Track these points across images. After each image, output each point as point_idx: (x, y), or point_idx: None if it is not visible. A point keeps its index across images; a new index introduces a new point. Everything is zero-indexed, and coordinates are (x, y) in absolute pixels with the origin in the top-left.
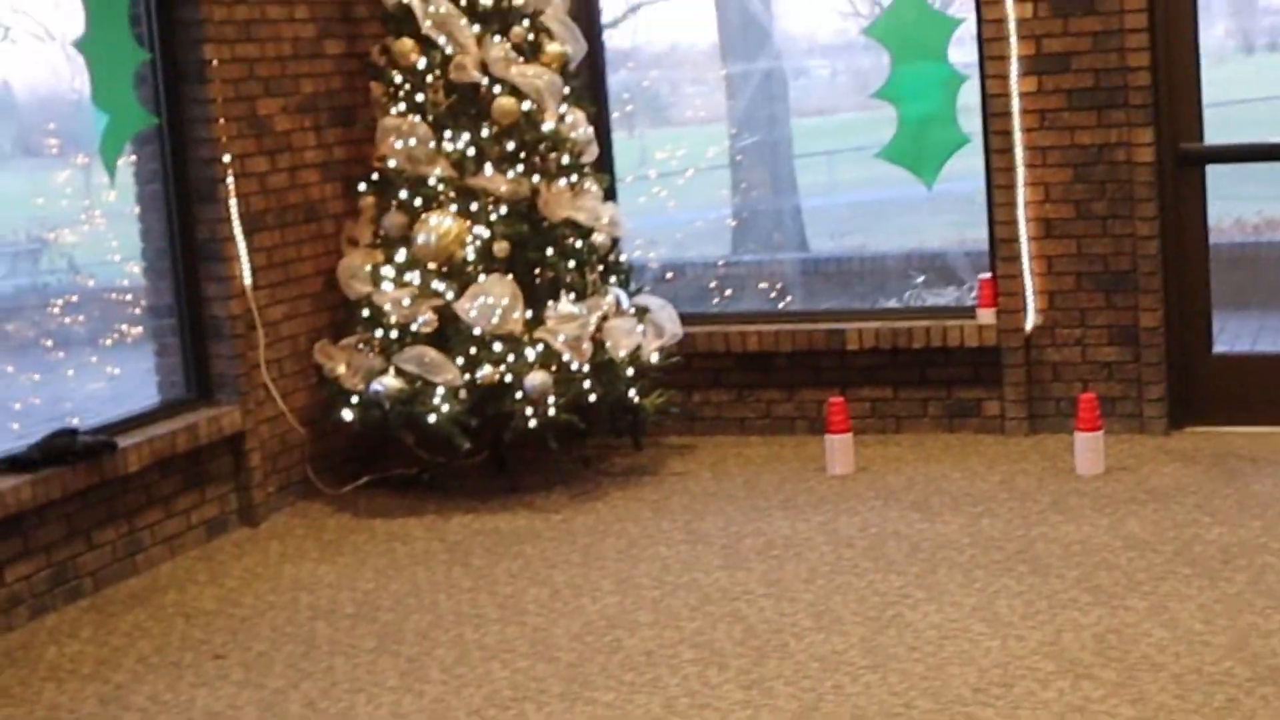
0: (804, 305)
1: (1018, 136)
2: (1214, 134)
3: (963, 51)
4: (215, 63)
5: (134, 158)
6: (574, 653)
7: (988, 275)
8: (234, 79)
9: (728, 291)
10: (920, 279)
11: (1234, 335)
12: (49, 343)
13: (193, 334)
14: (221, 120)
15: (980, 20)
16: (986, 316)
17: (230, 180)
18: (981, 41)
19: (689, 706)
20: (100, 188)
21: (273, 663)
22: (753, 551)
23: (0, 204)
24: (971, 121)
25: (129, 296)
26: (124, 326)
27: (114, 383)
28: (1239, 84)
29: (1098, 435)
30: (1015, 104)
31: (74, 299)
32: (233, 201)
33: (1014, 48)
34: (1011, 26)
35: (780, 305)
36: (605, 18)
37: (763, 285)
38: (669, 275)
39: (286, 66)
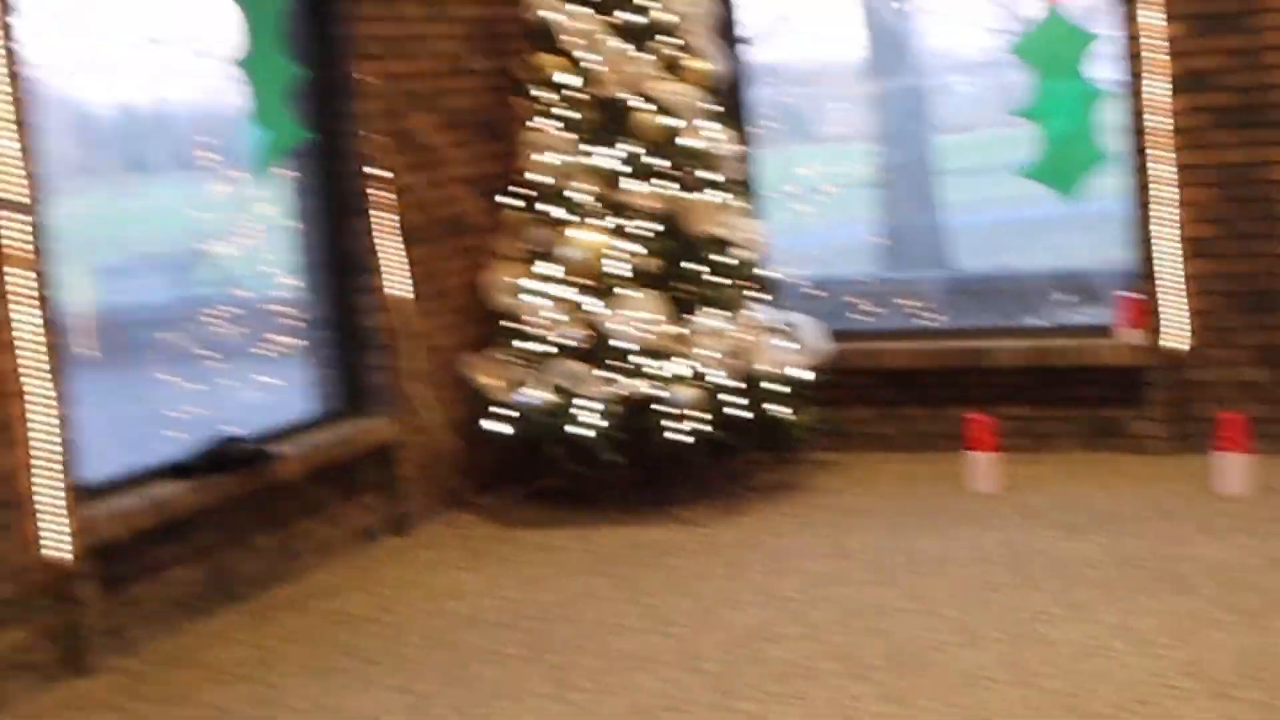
0: (949, 322)
1: (1163, 155)
2: None
3: (1104, 68)
4: (367, 79)
5: (289, 172)
6: (719, 663)
7: (1131, 294)
8: (385, 95)
9: (873, 308)
10: (1064, 297)
11: None
12: (205, 353)
13: (345, 346)
14: (375, 136)
15: (1126, 37)
16: (1131, 335)
17: (381, 194)
18: (1126, 59)
19: (830, 718)
20: (255, 201)
21: (422, 668)
22: (897, 566)
23: (158, 217)
24: (1114, 139)
25: (282, 308)
26: (278, 337)
27: (269, 393)
28: None
29: (1243, 456)
30: (1160, 122)
31: (229, 311)
32: (384, 215)
33: (1158, 65)
34: (1156, 44)
35: (925, 322)
36: (748, 33)
37: (907, 302)
38: (814, 291)
39: (435, 82)
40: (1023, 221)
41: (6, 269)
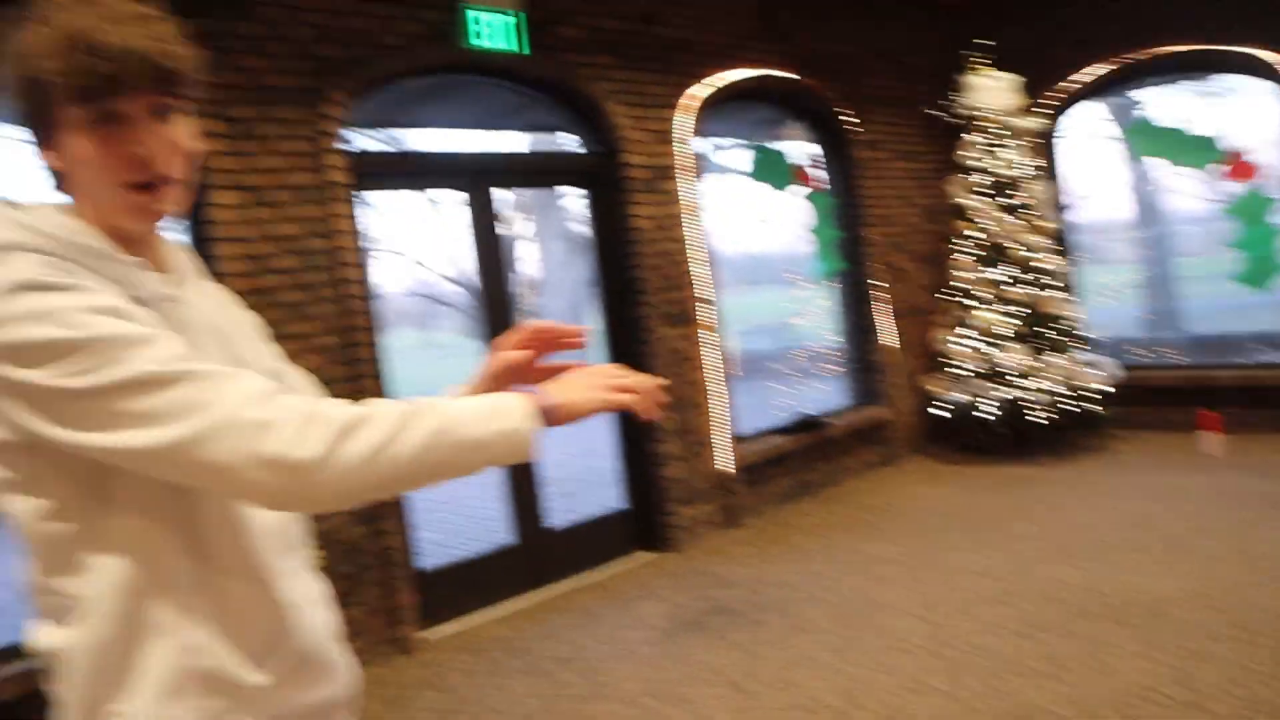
0: (1189, 361)
1: None
2: None
3: None
4: (872, 235)
5: (835, 284)
6: (1064, 538)
7: None
8: (880, 244)
9: (1144, 352)
10: (1260, 347)
11: None
12: (792, 373)
13: (863, 370)
14: (876, 264)
15: None
16: None
17: (880, 294)
18: None
19: (1125, 570)
20: (817, 298)
21: (905, 533)
22: (1161, 492)
23: (766, 306)
24: None
25: (831, 352)
26: (829, 366)
27: (825, 393)
28: None
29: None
30: None
31: (804, 352)
32: (883, 306)
33: None
34: None
35: (1175, 361)
36: (1070, 204)
37: (1164, 350)
38: (1111, 342)
39: (905, 236)
40: (1235, 305)
41: (700, 330)
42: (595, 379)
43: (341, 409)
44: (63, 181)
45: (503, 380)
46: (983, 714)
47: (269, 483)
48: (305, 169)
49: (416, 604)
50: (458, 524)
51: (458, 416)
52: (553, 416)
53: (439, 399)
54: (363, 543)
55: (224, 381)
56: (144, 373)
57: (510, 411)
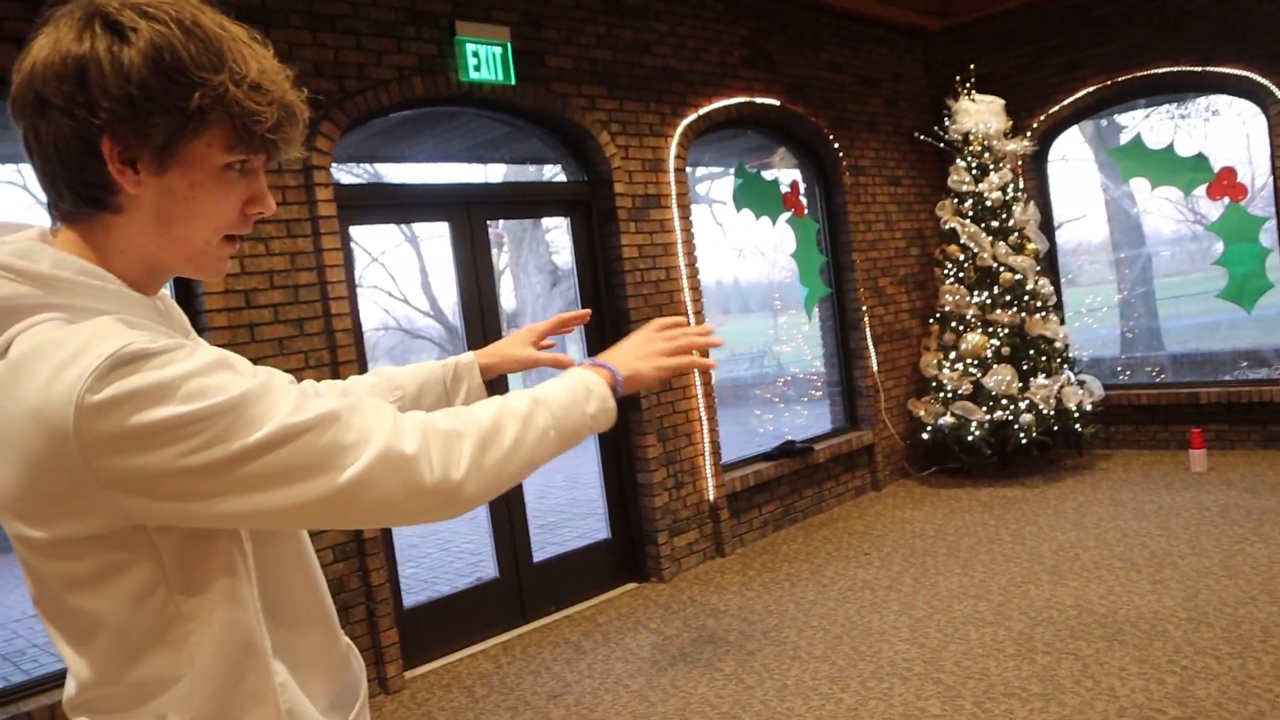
0: (1171, 378)
1: None
2: None
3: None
4: (856, 260)
5: (819, 310)
6: (1053, 558)
7: None
8: (865, 269)
9: (1125, 372)
10: (1245, 363)
11: None
12: (775, 399)
13: (847, 395)
14: (861, 290)
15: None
16: None
17: (864, 318)
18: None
19: (1117, 589)
20: (801, 324)
21: (892, 558)
22: (1148, 510)
23: (749, 333)
24: (1275, 274)
25: (814, 377)
26: (812, 391)
27: (808, 419)
28: None
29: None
30: None
31: (786, 379)
32: (867, 331)
33: None
34: None
35: (1157, 378)
36: (1054, 227)
37: (1146, 368)
38: (1094, 362)
39: (891, 261)
40: (1215, 323)
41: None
42: (648, 346)
43: (468, 419)
44: (109, 204)
45: (518, 352)
46: None
47: (428, 507)
48: (295, 201)
49: (400, 641)
50: (440, 560)
51: (563, 404)
52: (626, 387)
53: (533, 391)
54: (347, 580)
55: (355, 416)
56: (278, 430)
57: (598, 390)
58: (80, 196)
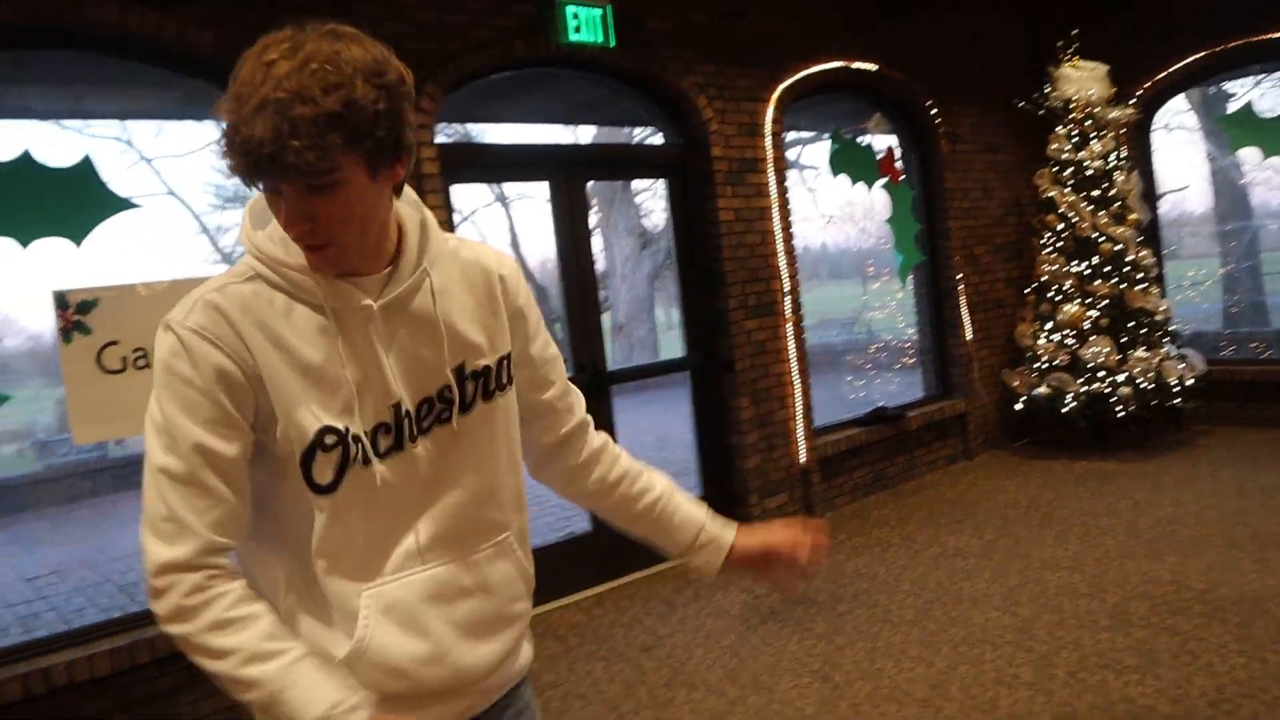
0: (1275, 354)
1: None
2: None
3: None
4: (952, 227)
5: (913, 277)
6: (1150, 532)
7: None
8: (961, 236)
9: (1229, 347)
10: None
11: None
12: (867, 365)
13: (940, 363)
14: (956, 258)
15: None
16: None
17: (960, 287)
18: None
19: (1216, 561)
20: (894, 291)
21: (985, 525)
22: (1250, 488)
23: (841, 300)
24: None
25: (907, 345)
26: (905, 359)
27: (900, 386)
28: None
29: None
30: None
31: (878, 345)
32: (962, 299)
33: None
34: None
35: (1262, 355)
36: (1158, 196)
37: (1250, 344)
38: (1197, 335)
39: (988, 229)
40: None
41: (786, 324)
42: None
43: (245, 636)
44: None
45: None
46: (1074, 707)
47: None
48: None
49: None
50: (532, 513)
51: (297, 692)
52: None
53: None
54: None
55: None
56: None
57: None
58: None
